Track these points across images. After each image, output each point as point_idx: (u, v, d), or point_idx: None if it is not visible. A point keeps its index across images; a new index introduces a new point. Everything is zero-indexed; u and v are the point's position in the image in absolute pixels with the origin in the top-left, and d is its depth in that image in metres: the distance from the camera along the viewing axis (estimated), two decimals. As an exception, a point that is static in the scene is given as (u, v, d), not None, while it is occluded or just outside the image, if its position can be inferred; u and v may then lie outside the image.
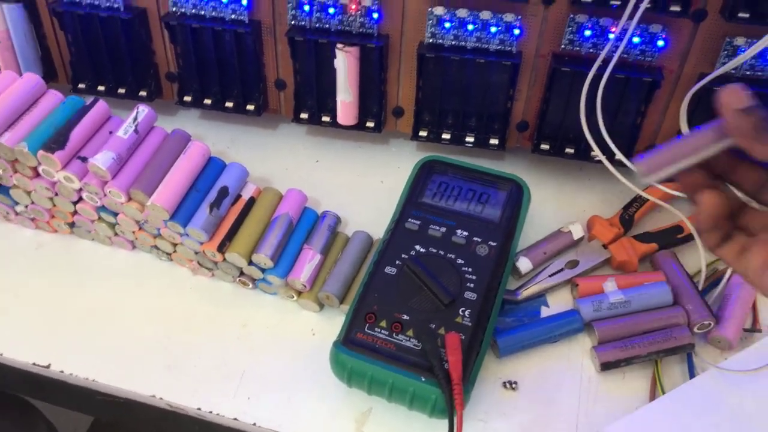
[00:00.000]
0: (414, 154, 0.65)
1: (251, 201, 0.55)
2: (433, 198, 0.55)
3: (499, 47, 0.55)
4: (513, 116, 0.61)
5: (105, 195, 0.53)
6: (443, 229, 0.52)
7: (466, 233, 0.51)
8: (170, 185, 0.52)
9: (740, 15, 0.49)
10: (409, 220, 0.52)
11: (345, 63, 0.57)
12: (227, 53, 0.60)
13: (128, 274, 0.57)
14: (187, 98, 0.64)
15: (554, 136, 0.60)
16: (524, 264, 0.55)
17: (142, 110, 0.55)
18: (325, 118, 0.62)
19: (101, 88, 0.64)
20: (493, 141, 0.60)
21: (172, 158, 0.54)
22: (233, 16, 0.58)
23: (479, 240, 0.51)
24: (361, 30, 0.56)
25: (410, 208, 0.53)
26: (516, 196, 0.55)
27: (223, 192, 0.54)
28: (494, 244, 0.51)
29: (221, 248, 0.53)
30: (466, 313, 0.47)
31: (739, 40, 0.51)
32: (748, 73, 0.52)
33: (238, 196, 0.55)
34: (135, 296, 0.55)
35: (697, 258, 0.54)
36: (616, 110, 0.57)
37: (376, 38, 0.56)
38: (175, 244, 0.55)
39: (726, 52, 0.52)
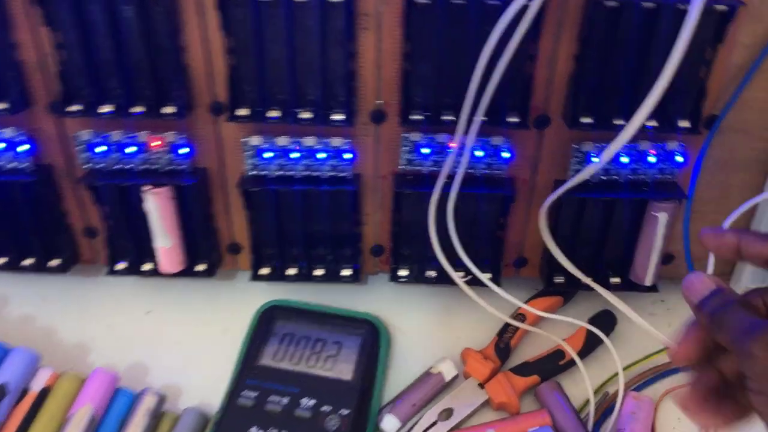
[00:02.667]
0: (264, 291, 0.56)
1: (43, 394, 0.44)
2: (275, 357, 0.46)
3: (333, 173, 0.48)
4: (365, 242, 0.53)
5: None
6: (285, 401, 0.43)
7: (312, 402, 0.42)
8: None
9: (582, 121, 0.44)
10: (244, 393, 0.43)
11: (155, 206, 0.48)
12: (15, 206, 0.50)
13: None
14: (-25, 260, 0.53)
15: (412, 260, 0.53)
16: (390, 424, 0.46)
17: None
18: (147, 267, 0.53)
19: None
20: (346, 272, 0.53)
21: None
22: (13, 165, 0.48)
23: (328, 410, 0.42)
24: (170, 167, 0.48)
25: (245, 375, 0.44)
26: (372, 341, 0.47)
27: (1, 393, 0.42)
28: (347, 412, 0.42)
29: (4, 463, 0.41)
30: None
31: (587, 146, 0.46)
32: (603, 178, 0.48)
33: (25, 391, 0.44)
34: None
35: (584, 384, 0.48)
36: (474, 226, 0.51)
37: (190, 174, 0.48)
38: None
39: (576, 158, 0.47)
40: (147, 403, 0.45)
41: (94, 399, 0.44)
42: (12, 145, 0.48)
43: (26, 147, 0.48)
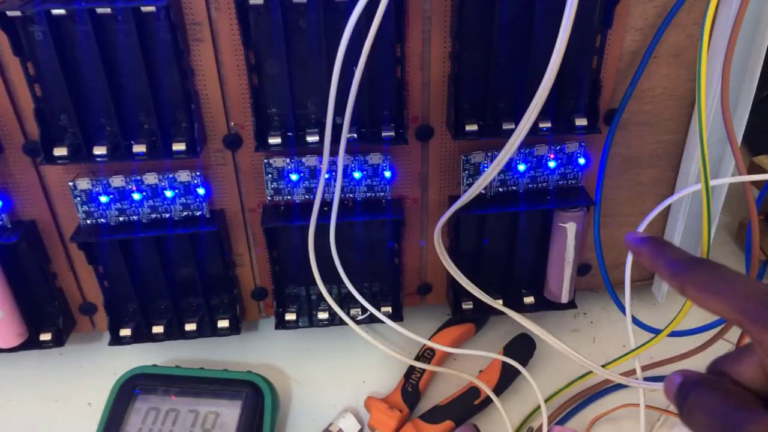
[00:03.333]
0: (131, 354, 0.48)
1: None
2: (134, 441, 0.38)
3: (186, 213, 0.41)
4: (243, 286, 0.46)
5: None
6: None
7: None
8: None
9: (468, 129, 0.38)
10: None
11: (-28, 273, 0.39)
12: None
13: None
14: None
15: (300, 301, 0.46)
16: (279, 504, 0.39)
17: None
18: (-21, 342, 0.44)
19: None
20: (222, 324, 0.45)
21: None
22: None
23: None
24: (-15, 224, 0.40)
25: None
26: (254, 405, 0.40)
27: None
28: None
29: None
30: None
31: (478, 156, 0.41)
32: (500, 189, 0.42)
33: None
34: None
35: (503, 424, 0.42)
36: (366, 255, 0.44)
37: (11, 230, 0.40)
38: None
39: (467, 171, 0.41)
40: None
41: None
42: None
43: None
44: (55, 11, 0.32)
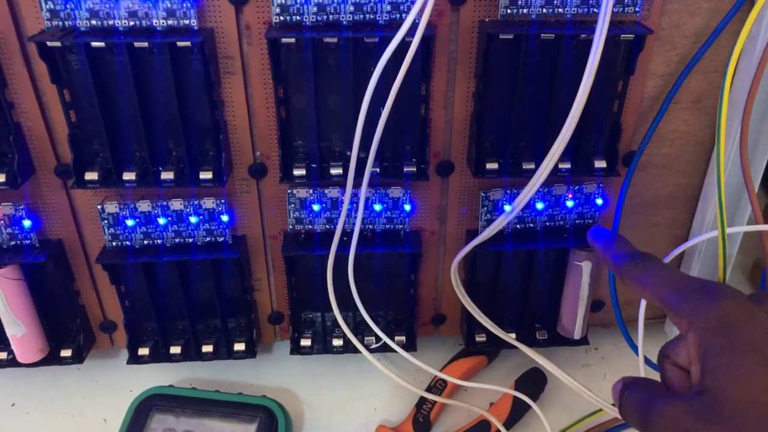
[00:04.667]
0: (148, 372, 0.48)
1: None
2: (150, 462, 0.39)
3: (209, 238, 0.41)
4: (260, 310, 0.47)
5: None
6: None
7: None
8: None
9: (489, 167, 0.39)
10: None
11: (-1, 290, 0.40)
12: None
13: None
14: None
15: (315, 327, 0.47)
16: None
17: None
18: (1, 356, 0.45)
19: None
20: (239, 347, 0.46)
21: None
22: None
23: None
24: (14, 242, 0.41)
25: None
26: (267, 430, 0.41)
27: None
28: None
29: None
30: None
31: (497, 193, 0.41)
32: (518, 226, 0.43)
33: None
34: None
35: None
36: (383, 285, 0.45)
37: (39, 249, 0.41)
38: None
39: (486, 207, 0.42)
40: None
41: None
42: None
43: None
44: (95, 44, 0.34)
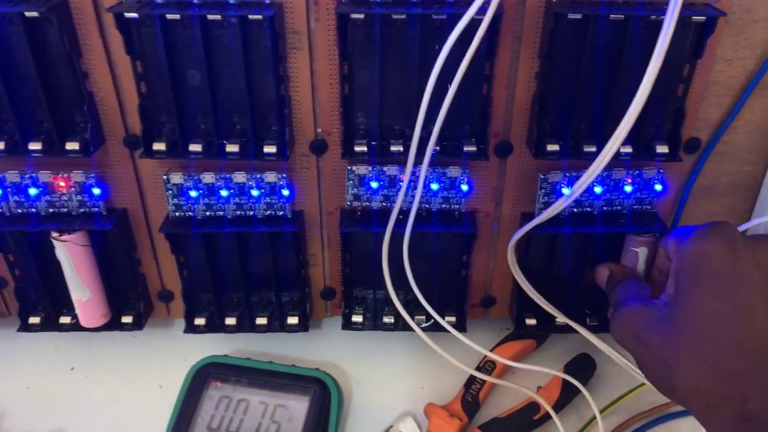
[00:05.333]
0: (203, 341, 0.50)
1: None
2: (210, 425, 0.40)
3: (269, 212, 0.42)
4: (313, 285, 0.48)
5: None
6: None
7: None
8: None
9: (549, 149, 0.39)
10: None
11: (67, 255, 0.42)
12: None
13: None
14: None
15: (367, 304, 0.47)
16: (340, 498, 0.40)
17: None
18: (65, 320, 0.46)
19: None
20: (292, 320, 0.47)
21: None
22: None
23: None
24: (82, 210, 0.42)
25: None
26: (322, 402, 0.42)
27: None
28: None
29: None
30: None
31: (555, 176, 0.41)
32: (575, 210, 0.43)
33: None
34: None
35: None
36: (435, 265, 0.45)
37: (106, 217, 0.42)
38: None
39: (544, 190, 0.42)
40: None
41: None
42: None
43: None
44: (170, 16, 0.35)
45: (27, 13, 0.35)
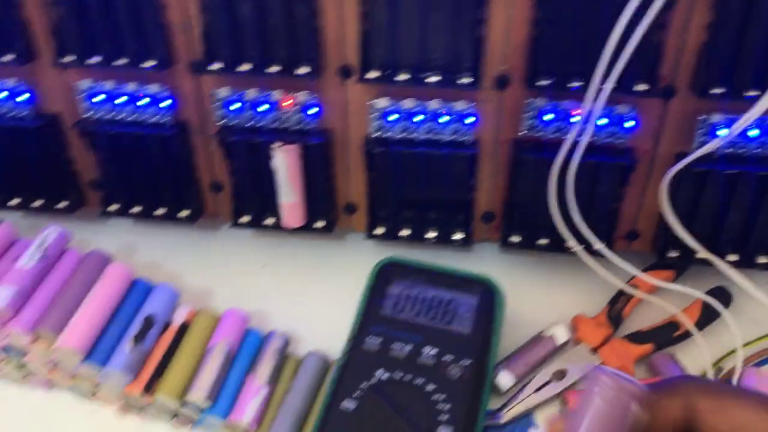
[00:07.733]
0: (374, 252, 0.58)
1: (183, 328, 0.48)
2: (394, 310, 0.48)
3: (453, 137, 0.49)
4: (477, 208, 0.55)
5: (7, 335, 0.45)
6: (408, 348, 0.45)
7: (435, 351, 0.44)
8: (83, 320, 0.45)
9: (713, 91, 0.44)
10: (368, 338, 0.45)
11: (284, 162, 0.51)
12: (153, 158, 0.54)
13: (45, 417, 0.48)
14: (113, 208, 0.57)
15: (524, 227, 0.54)
16: (505, 380, 0.48)
17: (51, 233, 0.48)
18: (269, 221, 0.56)
19: (14, 202, 0.57)
20: (457, 236, 0.54)
21: (86, 286, 0.47)
22: (155, 119, 0.52)
23: (450, 359, 0.44)
24: (299, 126, 0.51)
25: (369, 323, 0.47)
26: (488, 301, 0.48)
27: (149, 323, 0.46)
28: (468, 362, 0.44)
29: (148, 389, 0.45)
30: (439, 455, 0.39)
31: (715, 117, 0.46)
32: (728, 150, 0.47)
33: (167, 324, 0.47)
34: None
35: (700, 357, 0.48)
36: (590, 195, 0.51)
37: (317, 134, 0.51)
38: (96, 384, 0.47)
39: (702, 130, 0.47)
40: (275, 344, 0.48)
41: (229, 336, 0.47)
42: (154, 101, 0.51)
43: (168, 103, 0.51)
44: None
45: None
